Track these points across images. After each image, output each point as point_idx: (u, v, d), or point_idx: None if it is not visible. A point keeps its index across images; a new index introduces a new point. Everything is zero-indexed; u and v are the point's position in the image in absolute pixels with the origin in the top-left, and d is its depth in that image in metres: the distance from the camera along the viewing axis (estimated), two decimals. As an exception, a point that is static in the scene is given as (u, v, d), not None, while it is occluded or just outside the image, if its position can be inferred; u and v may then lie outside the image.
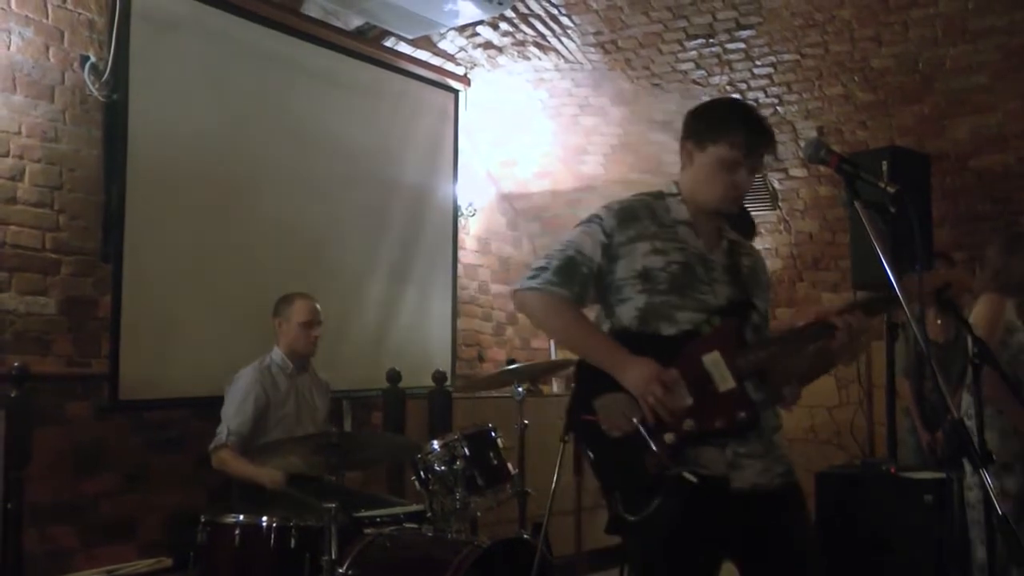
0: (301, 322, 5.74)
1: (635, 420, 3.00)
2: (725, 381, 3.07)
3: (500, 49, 8.03)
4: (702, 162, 3.23)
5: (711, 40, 7.32)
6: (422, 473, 4.91)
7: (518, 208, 9.73)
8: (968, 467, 2.90)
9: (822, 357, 3.25)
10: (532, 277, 3.20)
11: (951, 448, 2.71)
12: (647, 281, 3.14)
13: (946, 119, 7.34)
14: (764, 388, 3.22)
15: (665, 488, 2.96)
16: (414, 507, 5.29)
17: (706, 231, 3.29)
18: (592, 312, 3.30)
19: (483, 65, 8.34)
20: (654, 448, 2.98)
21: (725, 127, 3.21)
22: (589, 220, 3.27)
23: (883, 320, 6.75)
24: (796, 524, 3.20)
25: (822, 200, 8.22)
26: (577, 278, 3.17)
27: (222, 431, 5.43)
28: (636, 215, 3.24)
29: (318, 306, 5.83)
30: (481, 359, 9.21)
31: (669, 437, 2.99)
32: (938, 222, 7.12)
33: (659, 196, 3.34)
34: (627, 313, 3.16)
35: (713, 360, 3.08)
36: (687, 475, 2.95)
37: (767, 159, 3.32)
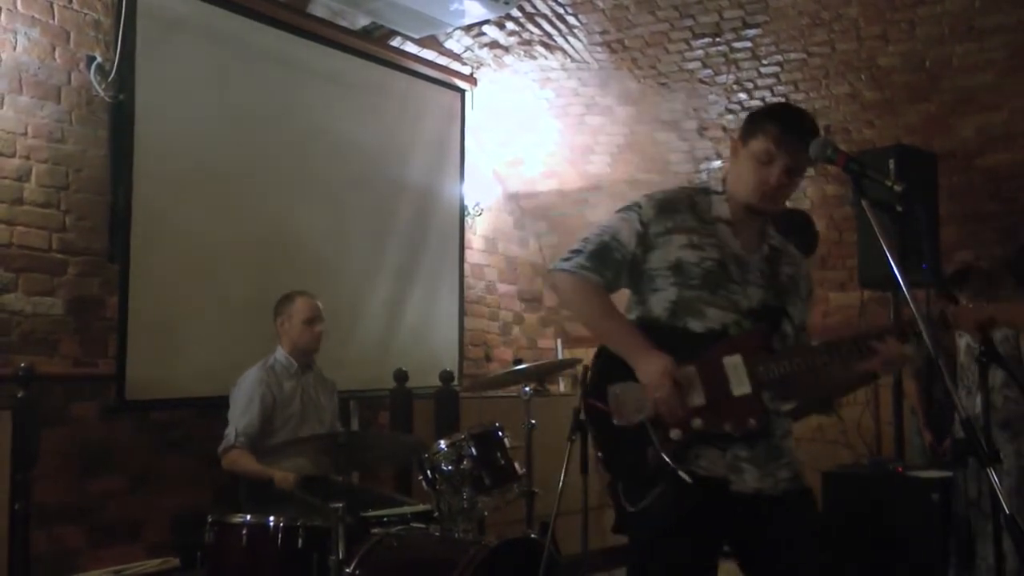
0: (304, 319, 5.73)
1: (644, 412, 3.03)
2: (741, 386, 3.06)
3: (506, 48, 8.03)
4: (744, 156, 3.25)
5: (717, 39, 7.32)
6: (429, 473, 4.90)
7: (525, 207, 9.73)
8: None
9: (855, 376, 3.24)
10: (566, 259, 3.24)
11: (960, 448, 2.72)
12: (680, 274, 3.15)
13: (953, 117, 7.32)
14: (783, 399, 3.22)
15: (663, 481, 2.98)
16: (421, 507, 5.28)
17: (746, 232, 3.28)
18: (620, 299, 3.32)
19: (489, 65, 8.34)
20: (656, 442, 3.00)
21: (763, 121, 3.23)
22: (628, 207, 3.28)
23: (889, 319, 6.76)
24: (798, 530, 3.17)
25: (829, 199, 8.20)
26: (610, 263, 3.20)
27: (230, 433, 5.43)
28: (676, 207, 3.25)
29: (319, 303, 5.82)
30: (488, 359, 9.20)
31: (675, 433, 3.01)
32: (945, 220, 7.11)
33: (705, 191, 3.35)
34: (658, 304, 3.18)
35: (734, 363, 3.08)
36: (683, 474, 2.97)
37: (808, 161, 3.26)
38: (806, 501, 3.24)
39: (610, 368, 3.15)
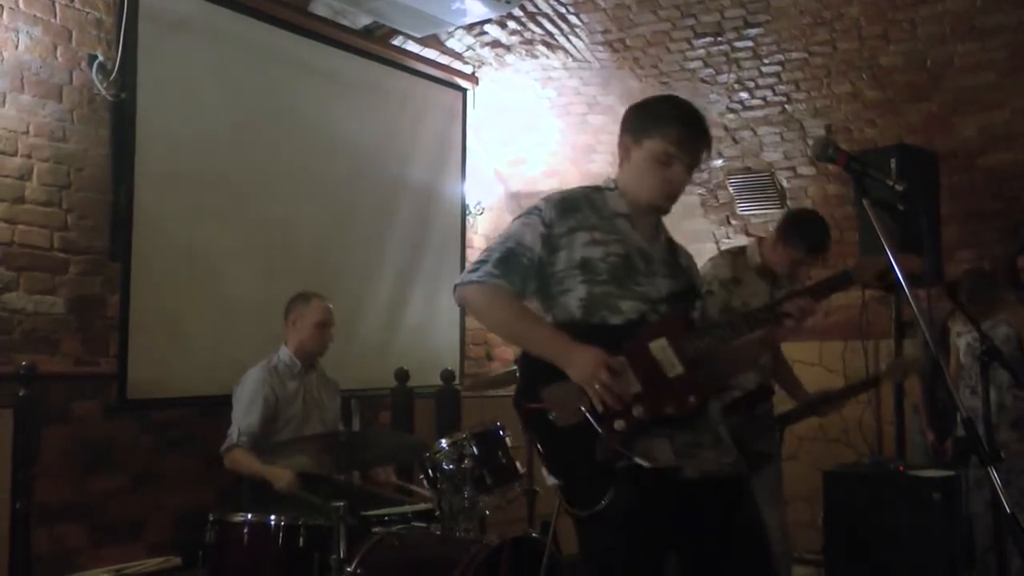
0: (317, 322, 5.75)
1: (583, 408, 2.98)
2: (673, 367, 3.07)
3: (508, 48, 8.03)
4: (638, 157, 3.25)
5: (719, 38, 7.32)
6: (430, 472, 4.90)
7: (526, 207, 9.71)
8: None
9: (762, 342, 3.30)
10: (472, 271, 3.19)
11: (961, 447, 2.72)
12: (587, 271, 3.13)
13: (954, 117, 7.32)
14: (713, 376, 3.23)
15: (617, 479, 2.95)
16: (422, 506, 5.28)
17: (644, 225, 3.29)
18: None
19: (491, 64, 8.34)
20: (603, 436, 2.95)
21: (660, 122, 3.23)
22: (529, 212, 3.27)
23: (891, 318, 6.77)
24: (743, 513, 3.17)
25: (830, 198, 8.21)
26: (518, 268, 3.16)
27: (233, 432, 5.44)
28: (576, 205, 3.25)
29: (331, 307, 5.84)
30: (489, 358, 9.20)
31: (619, 424, 2.97)
32: (946, 220, 7.12)
33: (597, 189, 3.36)
34: (571, 304, 3.15)
35: (660, 346, 3.08)
36: (639, 459, 2.93)
37: (704, 157, 3.30)
38: (745, 487, 3.24)
39: (537, 373, 3.09)
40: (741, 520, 3.15)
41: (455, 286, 3.25)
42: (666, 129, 3.20)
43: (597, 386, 2.94)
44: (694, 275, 3.44)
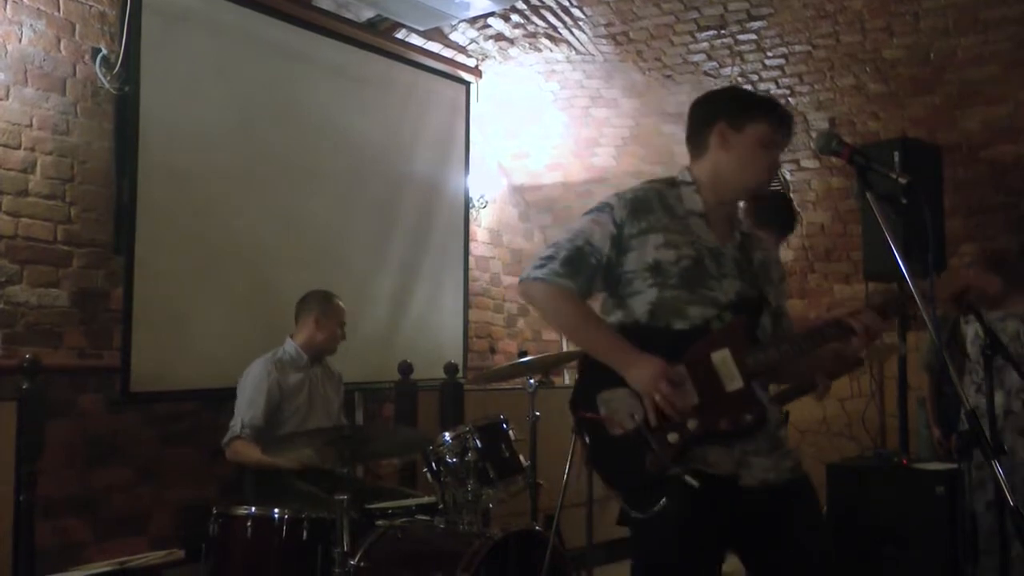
0: (341, 322, 5.80)
1: (637, 418, 2.95)
2: (733, 380, 3.02)
3: (511, 41, 8.03)
4: (740, 142, 3.19)
5: (722, 31, 7.31)
6: (434, 465, 4.91)
7: (530, 200, 9.73)
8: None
9: (840, 359, 3.25)
10: (539, 267, 3.13)
11: (965, 440, 2.71)
12: (658, 275, 3.08)
13: (958, 110, 7.32)
14: (767, 385, 3.21)
15: (668, 489, 2.92)
16: (426, 499, 5.29)
17: (718, 223, 3.24)
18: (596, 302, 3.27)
19: (494, 57, 8.34)
20: (655, 448, 2.92)
21: (763, 106, 3.22)
22: (600, 208, 3.19)
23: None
24: (804, 518, 3.14)
25: (834, 191, 8.20)
26: (584, 269, 3.11)
27: (235, 424, 5.45)
28: (649, 206, 3.18)
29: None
30: (493, 351, 9.20)
31: (673, 437, 2.94)
32: (950, 213, 7.11)
33: (672, 184, 3.29)
34: (638, 307, 3.10)
35: (722, 358, 3.03)
36: (688, 479, 2.90)
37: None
38: (808, 491, 3.21)
39: (596, 376, 3.06)
40: (800, 528, 3.11)
41: (520, 279, 3.21)
42: (771, 115, 3.19)
43: (656, 397, 2.92)
44: (770, 267, 3.37)
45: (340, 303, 5.86)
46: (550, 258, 3.13)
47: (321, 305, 5.80)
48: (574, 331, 3.26)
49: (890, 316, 3.14)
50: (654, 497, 2.93)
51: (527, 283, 3.17)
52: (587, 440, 3.09)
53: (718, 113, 3.25)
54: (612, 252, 3.12)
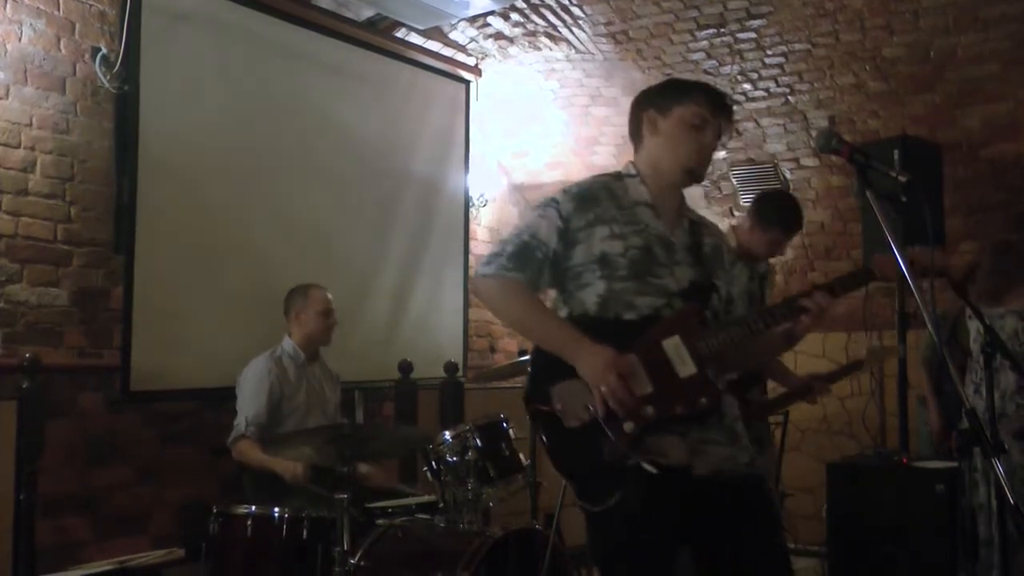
0: (320, 310, 5.79)
1: (591, 409, 2.95)
2: (686, 366, 3.04)
3: (511, 40, 8.03)
4: (668, 127, 3.25)
5: (722, 30, 7.31)
6: (434, 464, 4.92)
7: (529, 199, 9.71)
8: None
9: (786, 338, 3.26)
10: (487, 263, 3.18)
11: (964, 438, 2.71)
12: (606, 267, 3.11)
13: (958, 108, 7.31)
14: (722, 371, 3.22)
15: (625, 479, 2.92)
16: (426, 498, 5.29)
17: (666, 211, 3.27)
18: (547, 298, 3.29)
19: (494, 56, 8.34)
20: (611, 438, 2.92)
21: (690, 90, 3.27)
22: (546, 203, 3.24)
23: (895, 310, 6.76)
24: (759, 515, 3.14)
25: (834, 190, 8.20)
26: (532, 263, 3.15)
27: (240, 422, 5.45)
28: (595, 197, 3.22)
29: (330, 295, 5.86)
30: (493, 350, 9.20)
31: (628, 426, 2.93)
32: (950, 211, 7.11)
33: (618, 177, 3.33)
34: (588, 299, 3.12)
35: (673, 344, 3.05)
36: (646, 465, 2.91)
37: (728, 131, 3.35)
38: (764, 488, 3.22)
39: (549, 369, 3.07)
40: (757, 524, 3.11)
41: (471, 278, 3.24)
42: (697, 95, 3.23)
43: (603, 389, 2.92)
44: (722, 253, 3.39)
45: (319, 291, 5.85)
46: (497, 254, 3.18)
47: (297, 298, 5.83)
48: (524, 322, 3.29)
49: (839, 294, 3.17)
50: (610, 489, 2.94)
51: (476, 279, 3.24)
52: (542, 434, 3.10)
53: (647, 102, 3.34)
54: (559, 246, 3.16)
